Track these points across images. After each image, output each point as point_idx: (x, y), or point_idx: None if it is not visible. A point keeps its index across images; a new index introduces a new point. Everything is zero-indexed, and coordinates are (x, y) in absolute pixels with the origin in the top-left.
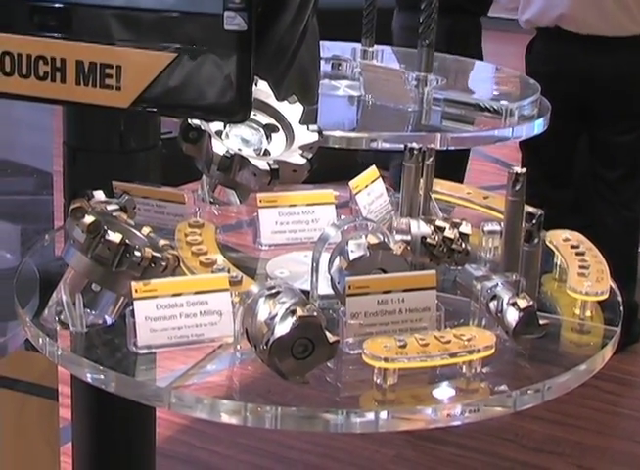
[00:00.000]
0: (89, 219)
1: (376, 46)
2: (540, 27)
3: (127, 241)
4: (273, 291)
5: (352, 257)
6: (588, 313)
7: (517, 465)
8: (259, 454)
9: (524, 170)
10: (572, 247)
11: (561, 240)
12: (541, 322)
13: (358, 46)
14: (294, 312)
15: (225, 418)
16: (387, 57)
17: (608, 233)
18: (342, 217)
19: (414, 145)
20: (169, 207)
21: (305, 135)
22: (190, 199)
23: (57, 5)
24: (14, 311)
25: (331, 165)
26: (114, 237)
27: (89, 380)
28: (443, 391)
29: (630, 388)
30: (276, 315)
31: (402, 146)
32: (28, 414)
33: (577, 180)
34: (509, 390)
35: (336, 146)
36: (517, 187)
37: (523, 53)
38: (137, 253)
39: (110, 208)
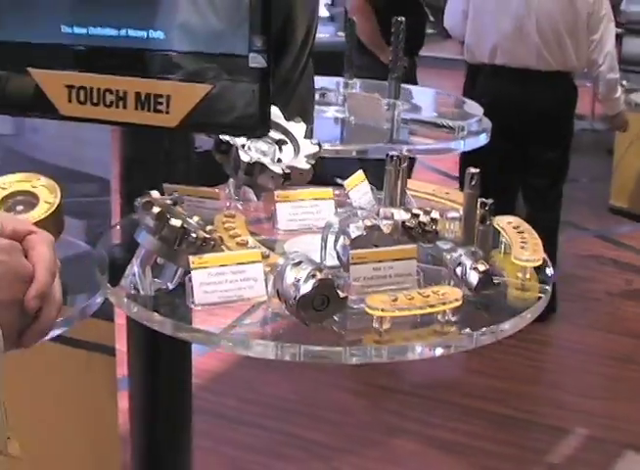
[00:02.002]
0: (156, 210)
1: (356, 80)
2: (481, 64)
3: (185, 226)
4: (296, 261)
5: (353, 236)
6: (528, 276)
7: (464, 409)
8: None
9: (477, 170)
10: (514, 227)
11: (506, 223)
12: (495, 281)
13: (340, 79)
14: (314, 276)
15: (262, 354)
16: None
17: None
18: (340, 209)
19: (394, 153)
20: (207, 202)
21: (308, 147)
22: (223, 196)
23: (120, 51)
24: (85, 286)
25: None
26: (176, 222)
27: (162, 330)
28: (425, 333)
29: (550, 347)
30: (300, 279)
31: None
32: (93, 368)
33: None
34: (471, 331)
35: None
36: (472, 183)
37: (458, 86)
38: (193, 234)
39: (167, 202)
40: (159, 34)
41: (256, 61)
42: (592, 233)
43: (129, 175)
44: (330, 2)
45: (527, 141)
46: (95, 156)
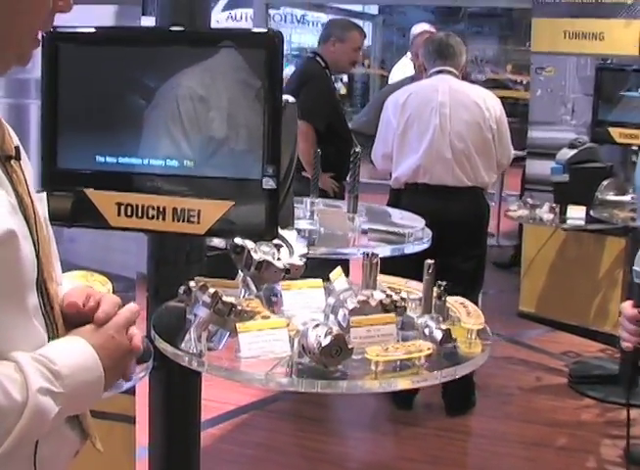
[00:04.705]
0: (212, 290)
1: (318, 199)
2: (404, 185)
3: (234, 301)
4: (316, 323)
5: (351, 307)
6: (474, 336)
7: None
8: None
9: (433, 261)
10: (460, 303)
11: (453, 301)
12: (453, 337)
13: (305, 198)
14: (330, 332)
15: (293, 388)
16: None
17: None
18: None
19: (368, 251)
20: (228, 290)
21: (300, 248)
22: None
23: (160, 176)
24: None
25: None
26: (230, 299)
27: (219, 375)
28: (407, 373)
29: (471, 436)
30: (321, 335)
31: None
32: (114, 436)
33: None
34: (437, 371)
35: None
36: (429, 270)
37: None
38: (239, 307)
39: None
40: (190, 164)
41: (268, 184)
42: (504, 338)
43: (157, 273)
44: None
45: (443, 252)
46: (121, 260)
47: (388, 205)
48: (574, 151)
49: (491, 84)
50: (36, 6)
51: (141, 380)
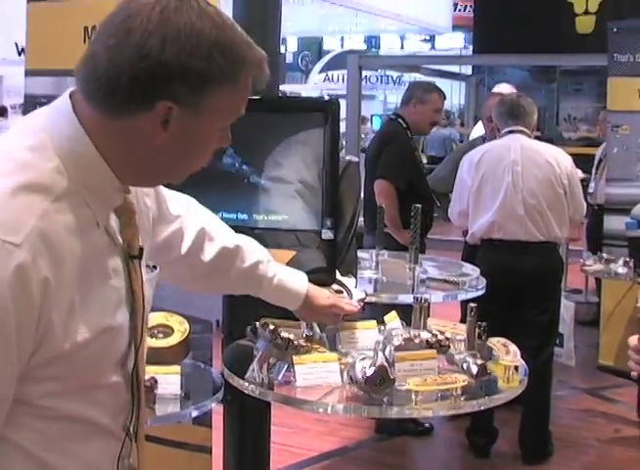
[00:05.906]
0: (272, 327)
1: (383, 251)
2: (481, 239)
3: (291, 337)
4: (363, 356)
5: (396, 344)
6: (511, 372)
7: None
8: None
9: (475, 305)
10: (502, 344)
11: (496, 341)
12: (488, 371)
13: (373, 251)
14: (375, 364)
15: (342, 413)
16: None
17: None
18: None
19: (419, 296)
20: (292, 330)
21: (358, 294)
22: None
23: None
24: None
25: None
26: (287, 335)
27: (276, 401)
28: (444, 402)
29: None
30: (366, 366)
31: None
32: (193, 465)
33: None
34: (473, 401)
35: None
36: (472, 313)
37: None
38: (296, 342)
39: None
40: (259, 217)
41: (327, 235)
42: (584, 391)
43: (230, 316)
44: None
45: (519, 305)
46: (200, 304)
47: (463, 260)
48: None
49: (584, 142)
50: (207, 149)
51: (211, 410)
